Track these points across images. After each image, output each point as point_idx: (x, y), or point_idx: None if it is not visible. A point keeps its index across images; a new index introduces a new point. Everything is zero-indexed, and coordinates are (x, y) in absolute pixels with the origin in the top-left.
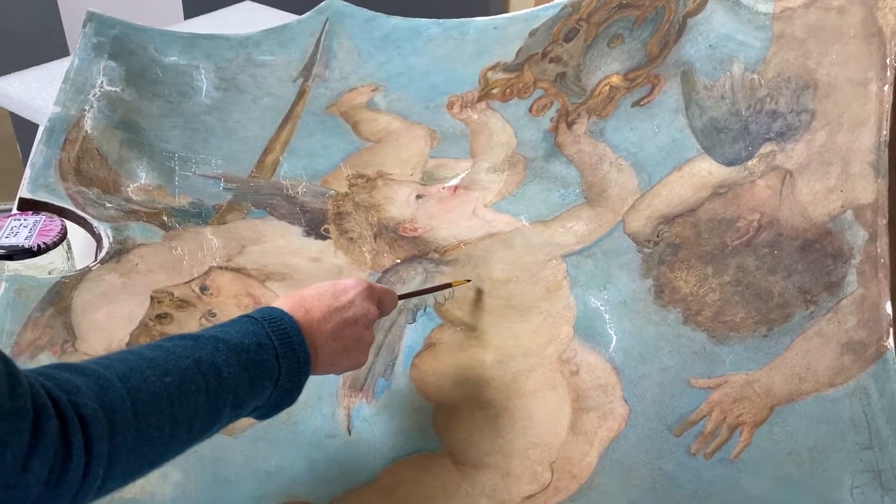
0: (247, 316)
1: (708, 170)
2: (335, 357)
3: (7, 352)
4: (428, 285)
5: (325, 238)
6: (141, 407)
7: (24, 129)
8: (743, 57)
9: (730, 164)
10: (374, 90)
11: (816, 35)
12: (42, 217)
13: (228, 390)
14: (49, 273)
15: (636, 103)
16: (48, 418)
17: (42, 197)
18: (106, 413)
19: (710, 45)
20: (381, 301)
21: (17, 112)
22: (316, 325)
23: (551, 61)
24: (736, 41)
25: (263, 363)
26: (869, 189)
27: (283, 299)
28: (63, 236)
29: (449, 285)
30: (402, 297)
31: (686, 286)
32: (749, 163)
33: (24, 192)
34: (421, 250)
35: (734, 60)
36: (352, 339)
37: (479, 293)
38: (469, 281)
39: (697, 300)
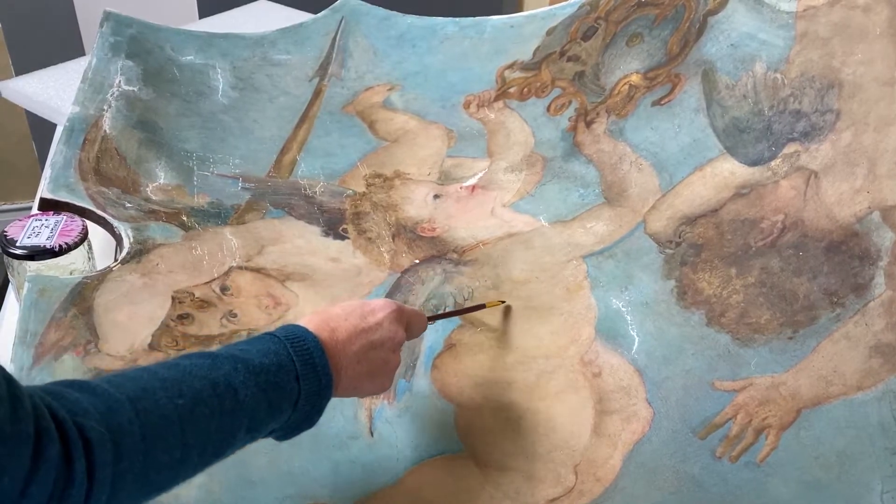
0: (270, 334)
1: (730, 170)
2: (359, 380)
3: (31, 352)
4: (447, 286)
5: (343, 238)
6: (150, 430)
7: (39, 129)
8: (765, 56)
9: (752, 164)
10: (390, 89)
11: (841, 34)
12: (63, 217)
13: (244, 413)
14: (70, 273)
15: (656, 102)
16: (50, 442)
17: (63, 197)
18: (112, 436)
19: (732, 44)
20: (409, 324)
21: (34, 111)
22: (341, 345)
23: (569, 60)
24: (758, 40)
25: (283, 385)
26: None
27: (309, 317)
28: (84, 236)
29: (483, 306)
30: (431, 318)
31: (709, 287)
32: (772, 163)
33: (44, 192)
34: (440, 250)
35: (756, 59)
36: (377, 362)
37: (508, 310)
38: (504, 302)
39: (721, 302)
